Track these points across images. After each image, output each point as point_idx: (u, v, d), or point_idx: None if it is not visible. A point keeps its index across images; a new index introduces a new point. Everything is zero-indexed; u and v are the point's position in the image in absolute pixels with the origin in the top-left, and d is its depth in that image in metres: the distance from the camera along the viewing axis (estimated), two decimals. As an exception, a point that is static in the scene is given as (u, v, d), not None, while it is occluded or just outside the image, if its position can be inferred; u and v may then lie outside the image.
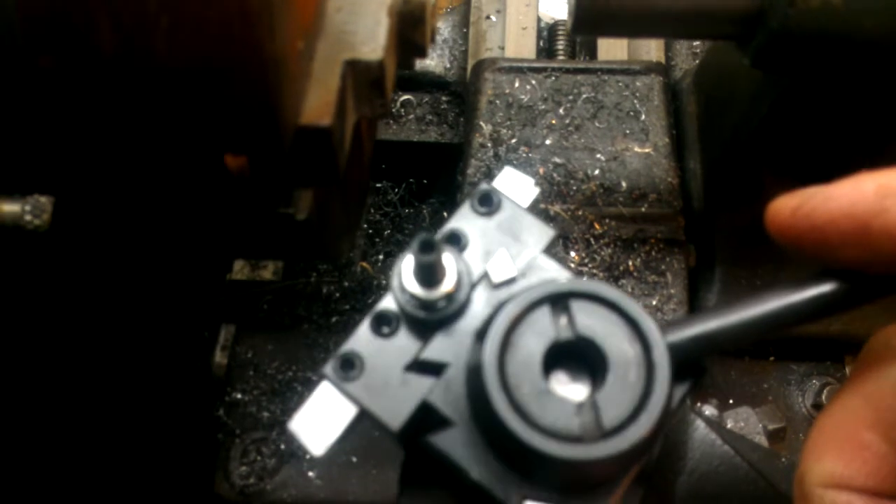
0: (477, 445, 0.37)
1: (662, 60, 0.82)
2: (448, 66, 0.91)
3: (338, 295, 0.84)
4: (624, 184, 0.73)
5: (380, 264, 0.85)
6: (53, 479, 0.85)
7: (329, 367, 0.40)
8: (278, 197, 0.41)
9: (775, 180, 0.73)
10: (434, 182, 0.97)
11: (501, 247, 0.41)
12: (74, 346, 0.85)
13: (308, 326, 0.81)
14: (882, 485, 0.37)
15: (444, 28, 0.91)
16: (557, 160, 0.75)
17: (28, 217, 0.49)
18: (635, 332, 0.37)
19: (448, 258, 0.39)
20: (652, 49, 0.83)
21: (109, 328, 0.85)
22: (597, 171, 0.74)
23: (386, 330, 0.40)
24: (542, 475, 0.37)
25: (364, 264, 0.84)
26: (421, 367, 0.40)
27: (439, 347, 0.39)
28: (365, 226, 0.94)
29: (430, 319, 0.39)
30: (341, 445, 0.41)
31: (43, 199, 0.49)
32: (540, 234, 0.41)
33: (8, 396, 0.81)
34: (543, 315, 0.37)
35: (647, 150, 0.75)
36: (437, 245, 0.37)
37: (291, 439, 0.74)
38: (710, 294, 0.75)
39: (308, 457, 0.74)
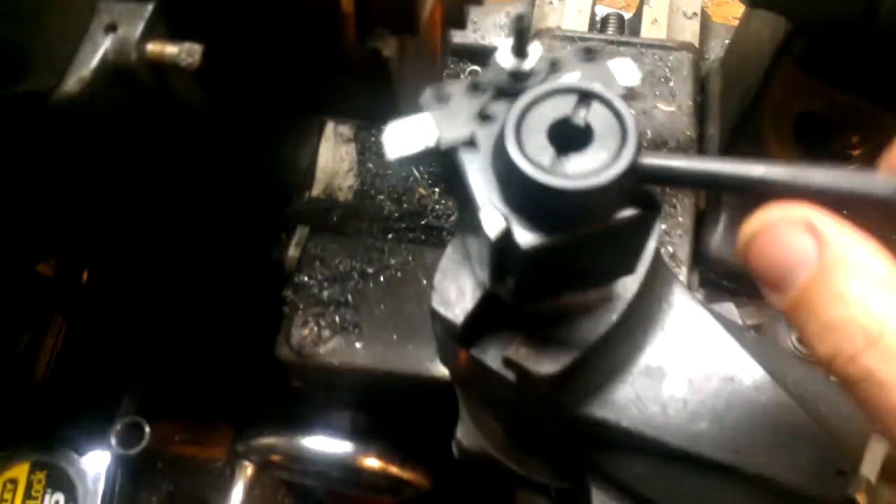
0: (490, 180, 0.48)
1: (696, 43, 0.96)
2: (512, 42, 1.06)
3: (396, 215, 0.98)
4: (649, 132, 0.87)
5: (435, 195, 1.00)
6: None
7: (426, 95, 0.47)
8: (367, 39, 0.55)
9: (778, 137, 0.86)
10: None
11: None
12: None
13: (368, 238, 0.96)
14: None
15: (512, 11, 1.07)
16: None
17: (183, 56, 0.65)
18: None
19: (535, 46, 0.46)
20: (688, 34, 0.97)
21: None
22: (627, 121, 0.88)
23: (477, 92, 0.46)
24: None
25: (422, 190, 0.99)
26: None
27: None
28: (424, 174, 1.09)
29: (512, 90, 0.46)
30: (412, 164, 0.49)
31: (195, 46, 0.65)
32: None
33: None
34: (569, 100, 0.47)
35: (672, 109, 0.88)
36: (526, 16, 0.47)
37: (345, 315, 0.88)
38: (715, 233, 0.86)
39: (357, 332, 0.87)
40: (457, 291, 0.60)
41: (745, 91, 0.87)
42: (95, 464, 1.16)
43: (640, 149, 0.46)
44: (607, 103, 0.46)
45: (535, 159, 0.43)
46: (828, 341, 0.36)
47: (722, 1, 1.63)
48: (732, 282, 0.87)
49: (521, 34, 0.46)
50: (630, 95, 0.47)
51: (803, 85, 0.86)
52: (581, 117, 0.46)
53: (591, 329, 0.58)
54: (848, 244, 0.36)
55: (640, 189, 0.45)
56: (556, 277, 0.52)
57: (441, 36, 0.75)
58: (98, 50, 0.63)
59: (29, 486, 1.15)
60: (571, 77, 0.47)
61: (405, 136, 0.49)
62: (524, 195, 0.45)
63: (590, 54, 0.50)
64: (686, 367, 0.63)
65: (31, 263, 1.01)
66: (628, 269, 0.54)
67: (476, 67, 1.07)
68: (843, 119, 0.87)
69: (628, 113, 0.45)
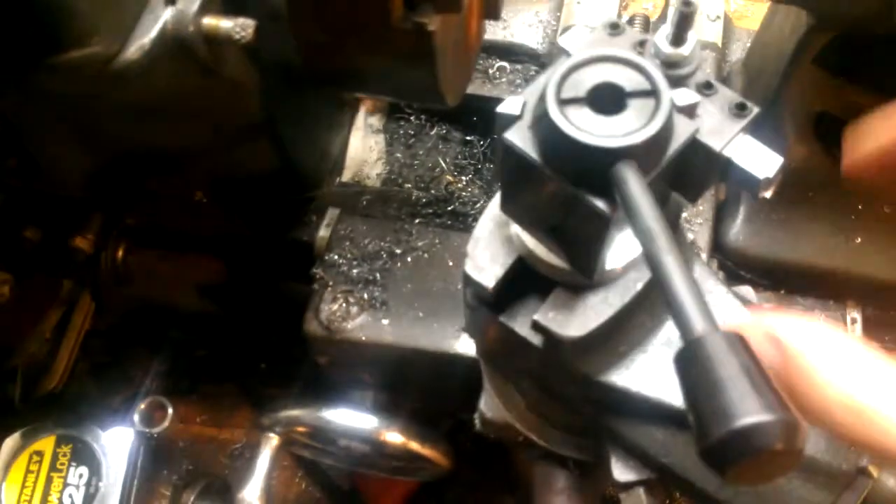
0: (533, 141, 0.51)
1: (719, 44, 1.00)
2: (540, 41, 1.10)
3: (424, 200, 1.02)
4: (672, 125, 0.90)
5: (462, 182, 1.03)
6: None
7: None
8: (412, 14, 0.59)
9: (797, 134, 0.89)
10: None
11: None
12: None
13: (397, 221, 0.99)
14: None
15: (541, 11, 1.11)
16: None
17: (237, 30, 0.69)
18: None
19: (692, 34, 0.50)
20: (711, 36, 1.00)
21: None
22: (651, 115, 0.91)
23: None
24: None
25: (449, 177, 1.02)
26: None
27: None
28: (451, 165, 1.12)
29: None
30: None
31: (249, 21, 0.69)
32: None
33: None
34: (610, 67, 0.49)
35: (694, 104, 0.91)
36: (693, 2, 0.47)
37: (373, 293, 0.91)
38: (734, 224, 0.89)
39: (384, 309, 0.90)
40: (489, 258, 0.63)
41: (766, 89, 0.90)
42: (119, 440, 1.19)
43: (670, 120, 0.49)
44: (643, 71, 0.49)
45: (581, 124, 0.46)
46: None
47: (742, 15, 1.66)
48: (749, 272, 0.89)
49: (686, 20, 0.47)
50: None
51: (823, 85, 0.89)
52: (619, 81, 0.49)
53: (616, 298, 0.61)
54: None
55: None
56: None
57: (477, 24, 0.79)
58: (158, 21, 0.67)
59: (54, 459, 1.18)
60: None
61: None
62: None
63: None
64: (705, 340, 0.66)
65: (72, 232, 1.04)
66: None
67: (504, 63, 1.11)
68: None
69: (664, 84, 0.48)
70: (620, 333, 0.65)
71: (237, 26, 0.69)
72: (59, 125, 0.84)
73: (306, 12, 0.64)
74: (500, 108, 0.51)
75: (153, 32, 0.67)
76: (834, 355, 0.42)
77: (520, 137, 0.51)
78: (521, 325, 0.64)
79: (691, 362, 0.42)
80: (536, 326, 0.61)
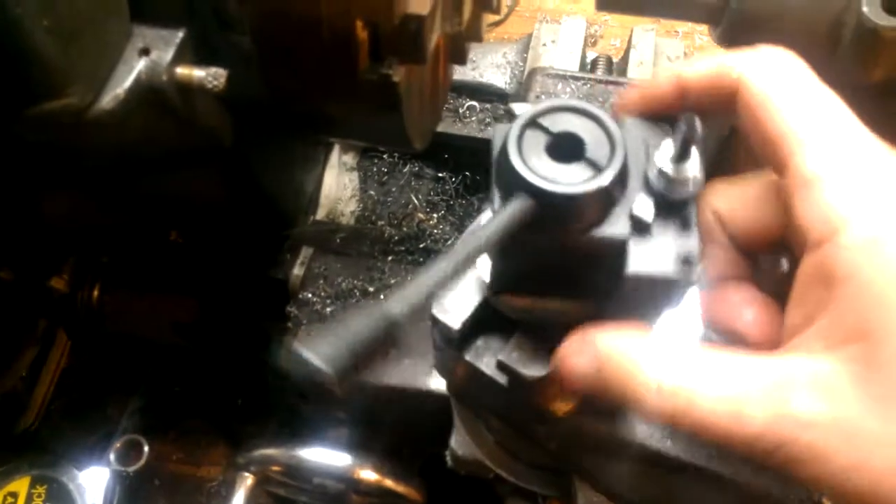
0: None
1: (679, 84, 1.03)
2: (509, 81, 1.13)
3: (396, 238, 1.04)
4: (635, 164, 0.93)
5: (433, 220, 1.05)
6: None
7: None
8: (378, 65, 0.61)
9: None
10: (485, 178, 1.18)
11: None
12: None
13: (370, 259, 1.01)
14: None
15: (509, 52, 1.14)
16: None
17: (210, 79, 0.71)
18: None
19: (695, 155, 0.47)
20: (672, 77, 1.04)
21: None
22: (615, 154, 0.94)
23: None
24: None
25: (421, 215, 1.04)
26: None
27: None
28: (423, 202, 1.15)
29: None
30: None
31: (221, 70, 0.71)
32: None
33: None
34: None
35: (657, 144, 0.94)
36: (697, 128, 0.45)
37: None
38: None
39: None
40: (455, 300, 0.65)
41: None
42: (94, 480, 1.19)
43: (625, 169, 0.51)
44: (600, 122, 0.51)
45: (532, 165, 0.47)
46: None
47: (702, 48, 1.72)
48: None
49: (689, 143, 0.45)
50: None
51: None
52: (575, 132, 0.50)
53: (580, 337, 0.63)
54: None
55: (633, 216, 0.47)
56: (531, 272, 0.55)
57: (444, 69, 0.81)
58: (132, 71, 0.69)
59: (29, 500, 1.17)
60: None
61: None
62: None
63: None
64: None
65: (47, 273, 1.05)
66: (605, 293, 0.53)
67: (474, 103, 1.14)
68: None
69: (618, 133, 0.50)
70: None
71: (209, 76, 0.71)
72: (34, 169, 0.86)
73: (275, 61, 0.67)
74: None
75: (127, 83, 0.68)
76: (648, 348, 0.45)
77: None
78: (486, 365, 0.65)
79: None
80: (501, 366, 0.62)
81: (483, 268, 0.63)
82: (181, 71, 0.71)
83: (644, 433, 0.66)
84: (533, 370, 0.61)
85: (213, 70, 0.71)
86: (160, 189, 0.92)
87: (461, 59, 0.84)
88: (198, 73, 0.71)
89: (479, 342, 0.66)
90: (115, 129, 0.70)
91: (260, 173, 0.95)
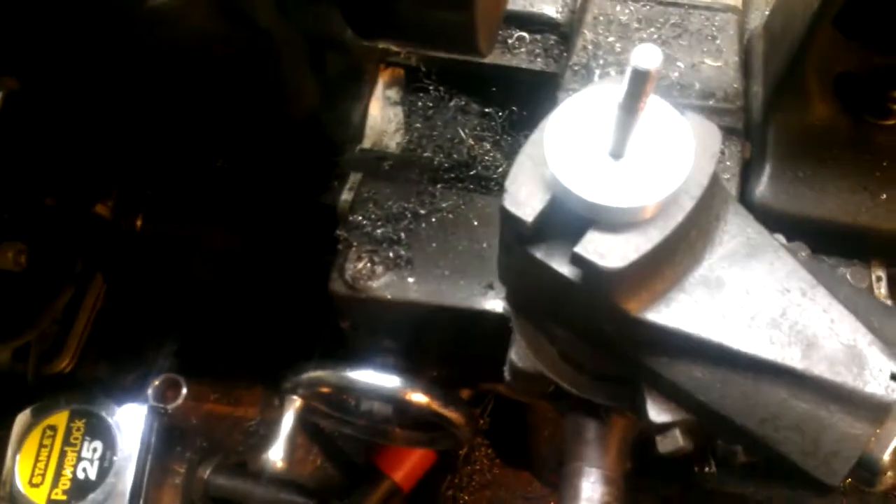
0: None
1: (740, 6, 1.00)
2: (560, 10, 1.10)
3: (446, 165, 1.02)
4: (697, 84, 0.90)
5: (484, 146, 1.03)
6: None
7: None
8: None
9: (820, 93, 0.89)
10: (532, 115, 1.16)
11: None
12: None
13: (419, 185, 0.99)
14: None
15: (558, -19, 1.12)
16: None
17: None
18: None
19: None
20: (731, 1, 1.01)
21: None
22: (675, 74, 0.92)
23: None
24: None
25: (471, 142, 1.02)
26: None
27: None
28: (469, 137, 1.12)
29: None
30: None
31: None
32: None
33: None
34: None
35: (719, 64, 0.92)
36: None
37: (398, 252, 0.91)
38: (760, 182, 0.89)
39: (409, 268, 0.89)
40: (527, 193, 0.63)
41: (789, 49, 0.90)
42: (133, 416, 1.18)
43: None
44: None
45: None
46: None
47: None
48: (775, 228, 0.89)
49: None
50: None
51: (841, 47, 0.90)
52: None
53: (656, 233, 0.61)
54: None
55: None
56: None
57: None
58: (195, -41, 0.67)
59: (68, 433, 1.17)
60: None
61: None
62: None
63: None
64: (743, 279, 0.66)
65: (94, 198, 1.04)
66: None
67: (523, 33, 1.12)
68: (880, 78, 0.91)
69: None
70: (658, 271, 0.64)
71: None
72: (87, 83, 0.84)
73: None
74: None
75: (189, -29, 0.67)
76: None
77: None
78: (558, 262, 0.64)
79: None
80: (576, 259, 0.61)
81: (552, 163, 0.61)
82: (243, -38, 0.69)
83: (717, 332, 0.64)
84: (610, 261, 0.59)
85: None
86: (210, 107, 0.90)
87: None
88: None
89: (550, 240, 0.64)
90: (174, 21, 0.69)
91: (310, 95, 0.93)
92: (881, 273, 0.89)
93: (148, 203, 1.10)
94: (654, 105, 0.61)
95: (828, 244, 0.89)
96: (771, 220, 0.88)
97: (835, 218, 0.87)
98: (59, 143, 0.97)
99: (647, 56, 0.51)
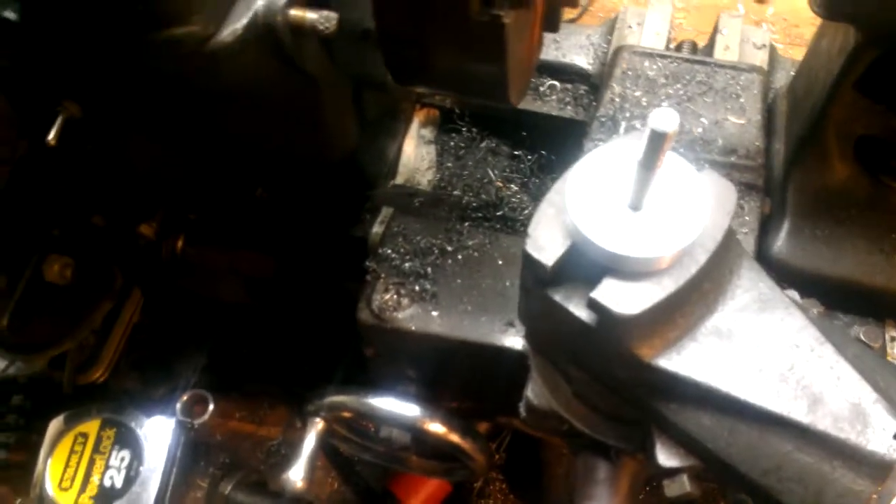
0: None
1: (765, 67, 1.04)
2: (591, 62, 1.15)
3: (474, 205, 1.06)
4: (720, 140, 0.93)
5: (511, 189, 1.07)
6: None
7: None
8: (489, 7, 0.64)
9: (840, 154, 0.92)
10: (560, 159, 1.20)
11: None
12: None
13: (448, 222, 1.03)
14: None
15: (593, 34, 1.16)
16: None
17: (322, 21, 0.74)
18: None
19: None
20: (757, 62, 1.04)
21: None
22: (699, 130, 0.95)
23: None
24: None
25: (499, 183, 1.06)
26: None
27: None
28: (498, 178, 1.17)
29: None
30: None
31: (332, 13, 0.75)
32: None
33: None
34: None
35: (742, 122, 0.95)
36: None
37: (424, 286, 0.94)
38: (779, 237, 0.92)
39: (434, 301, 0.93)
40: (548, 239, 0.66)
41: (811, 111, 0.93)
42: (160, 428, 1.23)
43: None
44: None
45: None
46: None
47: (792, 44, 1.72)
48: (791, 285, 0.92)
49: None
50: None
51: (864, 109, 0.93)
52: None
53: (670, 282, 0.64)
54: None
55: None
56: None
57: (539, 32, 0.84)
58: (251, 8, 0.73)
59: (98, 441, 1.22)
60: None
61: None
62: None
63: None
64: (753, 332, 0.68)
65: (139, 218, 1.10)
66: None
67: (555, 82, 1.16)
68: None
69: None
70: (671, 319, 0.67)
71: (321, 18, 0.74)
72: (143, 114, 0.90)
73: (391, 4, 0.69)
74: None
75: (246, 18, 0.72)
76: None
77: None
78: (576, 306, 0.67)
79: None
80: (592, 304, 0.64)
81: (573, 212, 0.65)
82: (295, 12, 0.74)
83: (727, 382, 0.66)
84: (625, 308, 0.62)
85: (325, 13, 0.75)
86: (255, 140, 0.96)
87: (554, 26, 0.86)
88: (310, 15, 0.75)
89: (568, 285, 0.68)
90: (229, 63, 0.74)
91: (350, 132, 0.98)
92: (895, 333, 0.91)
93: (190, 226, 1.15)
94: (674, 162, 0.65)
95: (843, 302, 0.91)
96: (788, 275, 0.91)
97: (850, 277, 0.89)
98: (111, 167, 1.03)
99: (664, 119, 0.55)
